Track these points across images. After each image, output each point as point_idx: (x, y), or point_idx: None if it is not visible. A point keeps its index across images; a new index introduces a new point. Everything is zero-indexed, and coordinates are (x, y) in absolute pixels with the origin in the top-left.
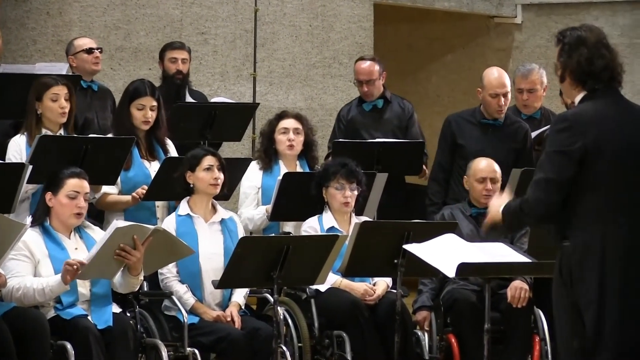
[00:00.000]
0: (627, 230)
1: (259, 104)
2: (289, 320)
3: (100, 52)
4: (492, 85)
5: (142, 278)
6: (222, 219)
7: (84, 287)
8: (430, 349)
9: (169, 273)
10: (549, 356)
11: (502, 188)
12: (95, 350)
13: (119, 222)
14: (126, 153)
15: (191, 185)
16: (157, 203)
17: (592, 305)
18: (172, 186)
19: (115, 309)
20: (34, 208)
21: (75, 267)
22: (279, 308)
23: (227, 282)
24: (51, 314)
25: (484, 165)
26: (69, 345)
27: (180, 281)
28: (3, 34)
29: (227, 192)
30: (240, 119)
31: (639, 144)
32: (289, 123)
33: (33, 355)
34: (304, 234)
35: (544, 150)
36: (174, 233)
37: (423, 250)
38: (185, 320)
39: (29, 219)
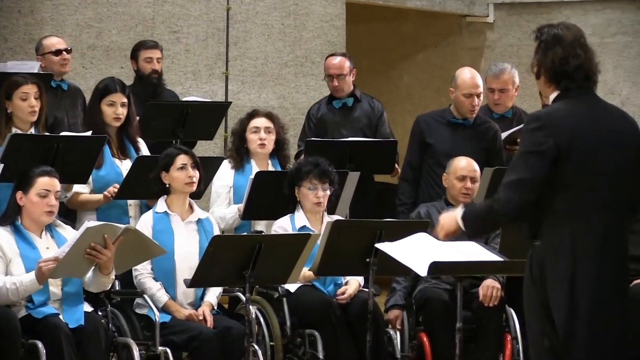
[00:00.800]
0: (598, 230)
1: (231, 102)
2: (261, 319)
3: (69, 53)
4: (466, 85)
5: (114, 277)
6: (199, 218)
7: (55, 286)
8: (402, 348)
9: (143, 270)
10: (521, 355)
11: None
12: (67, 349)
13: (89, 222)
14: (98, 151)
15: (167, 185)
16: (130, 202)
17: (562, 305)
18: (144, 185)
19: (87, 307)
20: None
21: (50, 264)
22: (250, 307)
23: (199, 280)
24: (22, 312)
25: (465, 164)
26: (40, 344)
27: (154, 278)
28: None
29: (200, 191)
30: (212, 118)
31: (611, 144)
32: (260, 122)
33: (4, 354)
34: (275, 233)
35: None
36: (150, 230)
37: (395, 249)
38: (157, 319)
39: None
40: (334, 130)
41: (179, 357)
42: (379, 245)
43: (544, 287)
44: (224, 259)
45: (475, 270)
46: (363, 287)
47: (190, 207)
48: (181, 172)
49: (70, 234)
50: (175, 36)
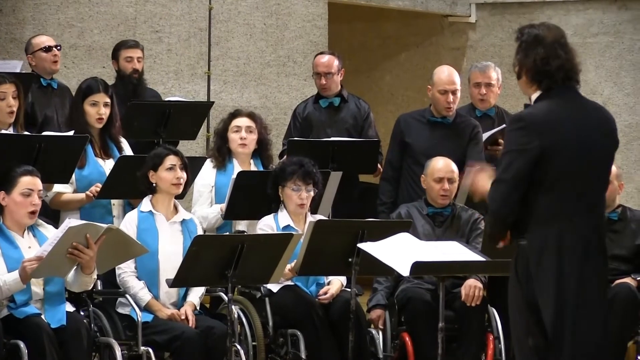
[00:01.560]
0: (583, 230)
1: (213, 102)
2: (243, 319)
3: (59, 50)
4: (441, 81)
5: (96, 277)
6: (183, 219)
7: (37, 286)
8: (384, 348)
9: (127, 268)
10: (503, 354)
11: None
12: (49, 349)
13: (71, 221)
14: (80, 151)
15: (154, 185)
16: (113, 201)
17: (549, 305)
18: (126, 184)
19: (69, 307)
20: None
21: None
22: (233, 307)
23: (181, 280)
24: (4, 312)
25: (442, 165)
26: (22, 344)
27: (137, 277)
28: None
29: (182, 191)
30: (195, 118)
31: (593, 144)
32: (241, 122)
33: None
34: (259, 232)
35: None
36: (134, 229)
37: (377, 249)
38: (139, 319)
39: None
40: (319, 130)
41: (161, 357)
42: (361, 245)
43: (530, 287)
44: (206, 258)
45: (457, 270)
46: (345, 287)
47: (175, 207)
48: (169, 173)
49: (52, 233)
50: (157, 36)
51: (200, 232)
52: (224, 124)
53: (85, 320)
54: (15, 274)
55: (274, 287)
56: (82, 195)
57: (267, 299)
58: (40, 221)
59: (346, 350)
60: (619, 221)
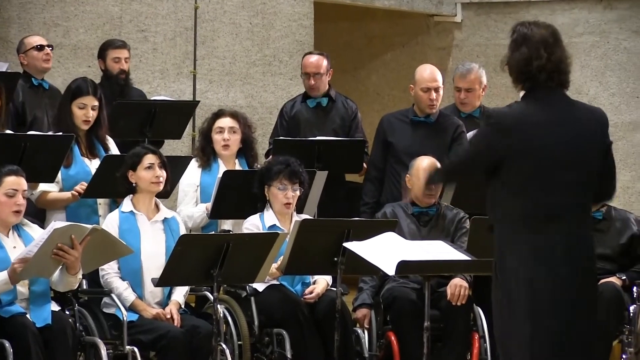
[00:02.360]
0: (556, 236)
1: (199, 101)
2: (229, 318)
3: (51, 50)
4: (423, 79)
5: (81, 277)
6: (165, 218)
7: (22, 286)
8: (370, 347)
9: (110, 269)
10: (488, 353)
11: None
12: (34, 348)
13: (57, 223)
14: (65, 151)
15: (134, 184)
16: (99, 200)
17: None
18: (112, 184)
19: (54, 307)
20: None
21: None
22: (218, 306)
23: (166, 279)
24: None
25: (427, 165)
26: (7, 344)
27: (121, 278)
28: None
29: (168, 190)
30: (180, 117)
31: (569, 147)
32: (224, 122)
33: None
34: (245, 231)
35: None
36: (116, 229)
37: (363, 248)
38: (125, 318)
39: None
40: (306, 129)
41: (146, 357)
42: (347, 245)
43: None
44: (191, 258)
45: (443, 270)
46: (331, 286)
47: (157, 206)
48: (148, 172)
49: (37, 233)
50: (143, 35)
51: (183, 230)
52: (207, 124)
53: (70, 320)
54: (4, 275)
55: (260, 287)
56: (68, 194)
57: (252, 298)
58: (26, 221)
59: (332, 349)
60: (604, 220)
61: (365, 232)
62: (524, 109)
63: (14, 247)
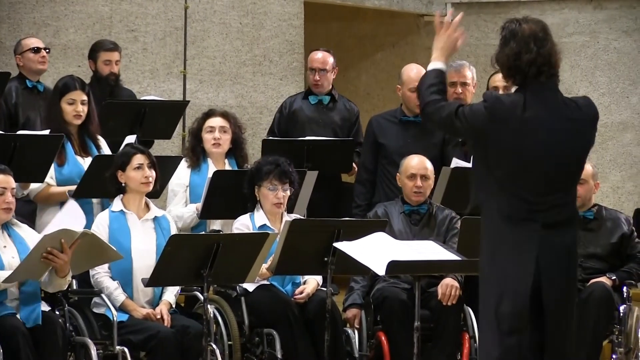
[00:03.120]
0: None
1: (189, 101)
2: (219, 318)
3: (48, 53)
4: (410, 79)
5: (70, 279)
6: (155, 216)
7: (13, 286)
8: (360, 347)
9: (100, 269)
10: (478, 353)
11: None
12: (24, 348)
13: (47, 229)
14: (55, 150)
15: (123, 184)
16: (93, 200)
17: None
18: (102, 183)
19: (44, 307)
20: None
21: None
22: (208, 306)
23: (156, 279)
24: None
25: (415, 163)
26: None
27: (111, 277)
28: None
29: (158, 190)
30: (170, 117)
31: (555, 144)
32: (215, 122)
33: None
34: (235, 231)
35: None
36: (107, 229)
37: (353, 248)
38: (115, 319)
39: None
40: (305, 126)
41: (136, 357)
42: (337, 245)
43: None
44: (182, 258)
45: (433, 270)
46: (321, 286)
47: (147, 205)
48: (137, 172)
49: (27, 233)
50: (133, 35)
51: (173, 229)
52: (197, 124)
53: (60, 320)
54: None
55: (250, 287)
56: (65, 188)
57: (242, 299)
58: (16, 220)
59: (322, 349)
60: (595, 220)
61: (356, 232)
62: (518, 102)
63: (4, 246)
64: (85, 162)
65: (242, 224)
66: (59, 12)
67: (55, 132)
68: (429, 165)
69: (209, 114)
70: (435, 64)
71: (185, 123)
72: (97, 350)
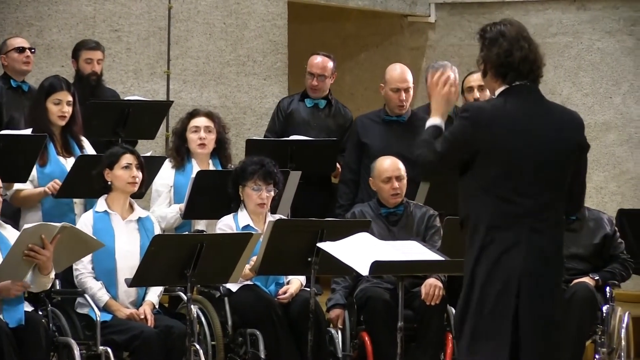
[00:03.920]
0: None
1: (172, 101)
2: (202, 319)
3: (33, 53)
4: (393, 79)
5: (53, 277)
6: (140, 217)
7: None
8: (343, 347)
9: (83, 269)
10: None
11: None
12: (7, 349)
13: (26, 225)
14: (38, 150)
15: (109, 183)
16: (75, 200)
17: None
18: (86, 183)
19: (27, 307)
20: None
21: None
22: (192, 306)
23: (140, 280)
24: None
25: (388, 165)
26: None
27: (94, 278)
28: None
29: (142, 191)
30: (154, 117)
31: (542, 147)
32: (200, 121)
33: None
34: (219, 231)
35: None
36: (91, 229)
37: (337, 248)
38: (98, 319)
39: None
40: (301, 128)
41: (120, 357)
42: (320, 245)
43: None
44: (165, 258)
45: (416, 270)
46: (305, 286)
47: (131, 206)
48: (125, 171)
49: (11, 233)
50: (117, 35)
51: (157, 229)
52: (182, 124)
53: (43, 320)
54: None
55: (233, 287)
56: (41, 189)
57: (226, 299)
58: (0, 221)
59: (305, 349)
60: (577, 220)
61: (339, 233)
62: (501, 106)
63: None
64: (68, 163)
65: (226, 224)
66: (42, 12)
67: (38, 131)
68: (400, 165)
69: (193, 114)
70: (434, 119)
71: (169, 123)
72: (80, 350)
